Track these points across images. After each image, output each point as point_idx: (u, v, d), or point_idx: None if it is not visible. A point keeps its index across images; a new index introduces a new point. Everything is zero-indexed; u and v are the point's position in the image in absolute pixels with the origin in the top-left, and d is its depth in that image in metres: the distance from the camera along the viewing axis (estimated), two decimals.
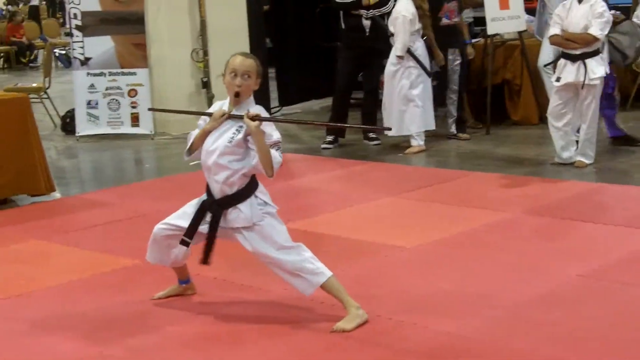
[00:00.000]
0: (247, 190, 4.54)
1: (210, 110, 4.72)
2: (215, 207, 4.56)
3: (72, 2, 10.61)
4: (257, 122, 4.36)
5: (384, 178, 8.09)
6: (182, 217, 4.68)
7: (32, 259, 6.04)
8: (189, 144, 4.67)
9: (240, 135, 4.47)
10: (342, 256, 5.71)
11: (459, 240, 6.01)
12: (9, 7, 27.24)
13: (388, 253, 5.79)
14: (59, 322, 4.77)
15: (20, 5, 27.90)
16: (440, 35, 9.21)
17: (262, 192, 4.60)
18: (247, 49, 10.84)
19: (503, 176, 7.86)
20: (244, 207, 4.52)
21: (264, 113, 4.51)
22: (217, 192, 4.54)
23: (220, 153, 4.49)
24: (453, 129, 9.67)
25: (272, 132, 4.47)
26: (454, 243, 5.95)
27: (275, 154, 4.42)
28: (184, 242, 4.65)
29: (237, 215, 4.53)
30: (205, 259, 4.65)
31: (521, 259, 5.56)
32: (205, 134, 4.57)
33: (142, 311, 4.88)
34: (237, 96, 4.51)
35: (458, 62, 9.52)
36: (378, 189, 7.57)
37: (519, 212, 6.65)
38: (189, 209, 4.67)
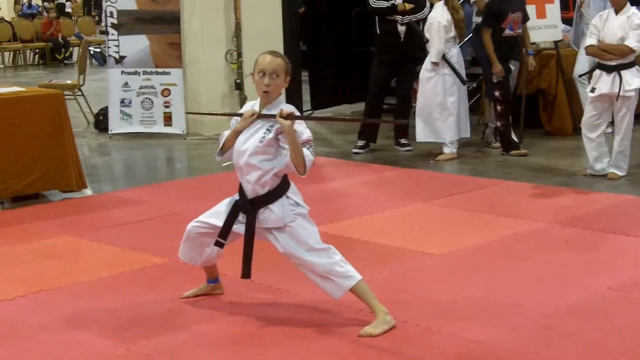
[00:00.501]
0: (279, 190, 4.55)
1: (242, 110, 4.72)
2: (248, 208, 4.57)
3: (109, 0, 10.67)
4: (290, 121, 4.37)
5: (414, 184, 8.07)
6: (215, 215, 4.69)
7: (63, 254, 6.08)
8: (221, 145, 4.68)
9: (271, 135, 4.47)
10: (371, 261, 5.71)
11: (488, 249, 5.98)
12: (46, 3, 27.45)
13: (417, 259, 5.78)
14: (88, 318, 4.80)
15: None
16: (502, 46, 9.06)
17: (294, 193, 4.60)
18: (281, 51, 10.88)
19: (535, 186, 7.82)
20: (275, 207, 4.53)
21: (296, 112, 4.51)
22: (250, 192, 4.55)
23: (251, 153, 4.50)
24: (492, 138, 9.56)
25: (304, 130, 4.47)
26: (484, 251, 5.93)
27: (307, 153, 4.42)
28: (218, 244, 4.66)
29: (269, 215, 4.54)
30: (245, 272, 4.65)
31: (551, 269, 5.53)
32: (236, 134, 4.57)
33: (171, 309, 4.90)
34: (265, 95, 4.51)
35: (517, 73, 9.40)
36: (408, 195, 7.56)
37: (549, 222, 6.61)
38: (222, 207, 4.68)
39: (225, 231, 4.63)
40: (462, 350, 4.29)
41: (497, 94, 9.14)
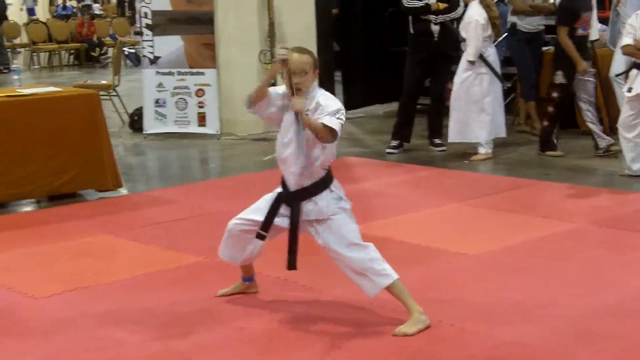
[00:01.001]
0: (323, 182, 4.57)
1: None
2: (291, 200, 4.58)
3: (143, 1, 10.72)
4: (302, 99, 4.41)
5: (449, 184, 8.04)
6: (256, 211, 4.71)
7: (98, 252, 6.12)
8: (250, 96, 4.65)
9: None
10: (405, 261, 5.68)
11: (524, 249, 5.95)
12: (80, 4, 27.63)
13: (451, 259, 5.76)
14: (124, 316, 4.83)
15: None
16: (576, 46, 8.81)
17: (337, 187, 4.62)
18: (314, 51, 10.88)
19: (571, 186, 7.76)
20: (319, 199, 4.55)
21: (325, 96, 4.51)
22: (293, 184, 4.57)
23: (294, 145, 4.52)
24: (603, 144, 9.08)
25: (329, 101, 4.48)
26: (519, 251, 5.90)
27: (331, 119, 4.40)
28: (260, 236, 4.68)
29: (313, 207, 4.56)
30: (291, 262, 4.66)
31: (587, 270, 5.49)
32: (262, 88, 4.58)
33: (206, 308, 4.91)
34: (298, 93, 4.50)
35: (592, 71, 9.25)
36: (443, 195, 7.53)
37: (586, 223, 6.57)
38: (263, 203, 4.70)
39: (267, 223, 4.64)
40: (496, 351, 4.27)
41: (555, 95, 9.02)
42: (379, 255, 4.58)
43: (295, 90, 4.49)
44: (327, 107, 4.46)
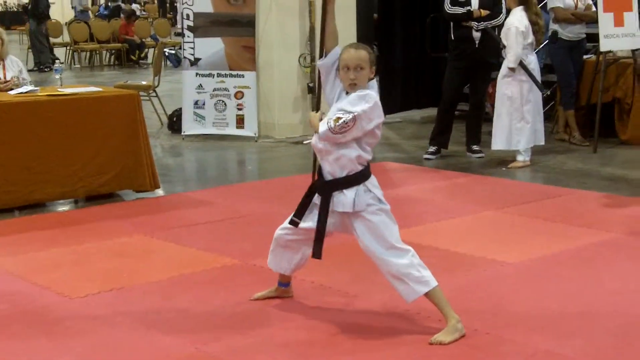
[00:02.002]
0: (357, 176, 4.53)
1: None
2: (323, 189, 4.57)
3: (185, 2, 10.78)
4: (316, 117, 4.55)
5: (486, 191, 8.00)
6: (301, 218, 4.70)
7: (134, 253, 6.15)
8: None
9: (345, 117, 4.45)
10: (441, 268, 5.64)
11: (561, 258, 5.90)
12: (123, 5, 27.84)
13: (488, 267, 5.73)
14: (158, 317, 4.84)
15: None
16: None
17: (374, 186, 4.57)
18: None
19: (608, 195, 7.70)
20: (348, 192, 4.51)
21: (358, 96, 4.47)
22: (327, 172, 4.55)
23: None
24: None
25: (354, 101, 4.45)
26: (556, 261, 5.85)
27: (329, 121, 4.43)
28: (293, 222, 4.67)
29: (341, 199, 4.52)
30: (316, 251, 4.63)
31: (626, 280, 5.44)
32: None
33: (240, 311, 4.91)
34: (352, 87, 4.50)
35: None
36: (480, 202, 7.50)
37: (624, 232, 6.51)
38: (306, 211, 4.69)
39: (300, 210, 4.64)
40: None
41: None
42: (418, 260, 4.55)
43: (350, 85, 4.49)
44: (345, 106, 4.45)
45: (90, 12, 28.12)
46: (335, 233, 4.69)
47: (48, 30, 21.11)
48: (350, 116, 4.41)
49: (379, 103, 4.52)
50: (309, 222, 4.65)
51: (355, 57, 4.49)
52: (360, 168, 4.54)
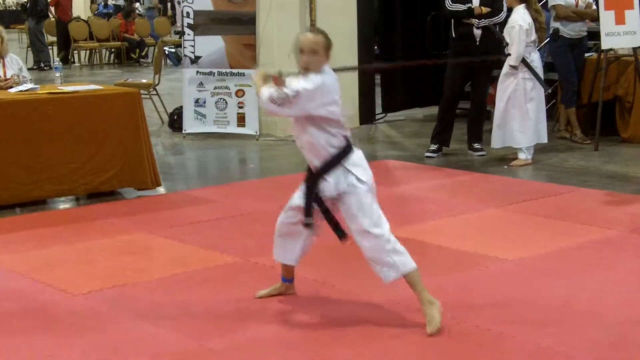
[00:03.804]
0: (332, 161, 4.59)
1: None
2: (311, 180, 4.65)
3: (186, 0, 10.77)
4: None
5: (488, 189, 8.00)
6: (294, 199, 4.77)
7: (137, 251, 6.15)
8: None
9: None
10: (444, 265, 5.68)
11: (562, 256, 5.90)
12: (121, 2, 27.79)
13: (490, 264, 5.73)
14: (161, 314, 4.85)
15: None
16: None
17: (355, 166, 4.62)
18: (355, 54, 10.89)
19: (610, 193, 7.70)
20: (329, 177, 4.59)
21: (326, 74, 4.53)
22: (311, 165, 4.65)
23: (301, 126, 4.61)
24: None
25: (292, 83, 4.50)
26: (557, 258, 5.85)
27: (269, 91, 4.48)
28: (306, 225, 4.71)
29: (325, 185, 4.61)
30: (339, 234, 4.69)
31: (627, 278, 5.44)
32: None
33: (243, 308, 4.91)
34: (306, 71, 4.54)
35: None
36: (482, 200, 7.50)
37: (625, 230, 6.50)
38: (299, 192, 4.76)
39: (308, 207, 4.68)
40: (533, 357, 4.24)
41: None
42: (392, 246, 4.58)
43: (303, 69, 4.54)
44: (290, 84, 4.50)
45: (155, 9, 27.79)
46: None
47: (45, 29, 21.08)
48: (292, 93, 4.45)
49: (331, 88, 4.54)
50: (299, 199, 4.72)
51: (310, 41, 4.55)
52: (333, 151, 4.58)
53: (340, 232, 4.70)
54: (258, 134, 10.68)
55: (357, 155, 4.65)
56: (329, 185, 4.59)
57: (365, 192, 4.60)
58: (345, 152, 4.61)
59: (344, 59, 9.73)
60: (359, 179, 4.60)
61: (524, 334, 4.51)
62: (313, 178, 4.65)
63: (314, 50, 4.52)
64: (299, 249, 4.86)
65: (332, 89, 4.55)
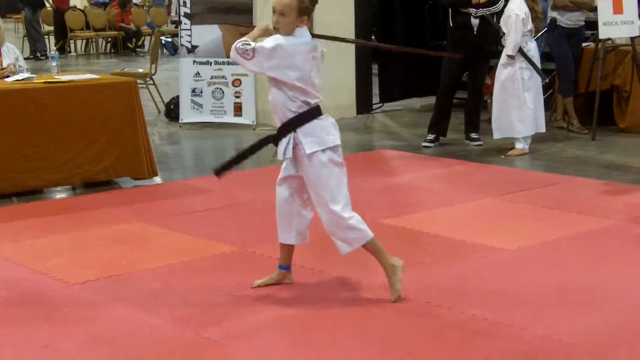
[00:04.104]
0: (285, 124, 4.69)
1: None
2: (275, 137, 4.78)
3: None
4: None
5: (485, 179, 7.99)
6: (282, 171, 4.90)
7: (133, 240, 6.14)
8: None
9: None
10: (440, 255, 5.68)
11: (559, 245, 5.90)
12: None
13: (486, 254, 5.73)
14: (157, 303, 4.84)
15: None
16: None
17: (306, 135, 4.66)
18: (352, 44, 10.87)
19: (607, 183, 7.71)
20: (281, 140, 4.71)
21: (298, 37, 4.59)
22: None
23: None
24: None
25: (259, 43, 4.60)
26: (555, 248, 5.85)
27: (240, 41, 4.61)
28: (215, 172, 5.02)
29: (279, 147, 4.74)
30: (222, 167, 5.08)
31: (624, 267, 5.44)
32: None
33: (240, 296, 4.91)
34: (276, 32, 4.60)
35: None
36: (478, 190, 7.49)
37: (622, 220, 6.50)
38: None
39: (254, 148, 4.94)
40: (531, 345, 4.24)
41: None
42: (345, 223, 4.66)
43: (274, 28, 4.62)
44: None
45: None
46: None
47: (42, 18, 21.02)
48: (251, 47, 4.55)
49: (290, 51, 4.56)
50: (290, 170, 4.82)
51: (278, 2, 4.61)
52: (290, 115, 4.65)
53: (223, 167, 5.10)
54: (255, 123, 10.66)
55: (317, 125, 4.68)
56: (280, 148, 4.71)
57: (321, 165, 4.66)
58: (301, 118, 4.65)
59: (341, 48, 9.73)
60: (304, 150, 4.65)
61: (521, 322, 4.51)
62: (274, 137, 4.76)
63: (281, 11, 4.58)
64: (294, 230, 4.91)
65: (293, 53, 4.58)
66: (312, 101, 4.65)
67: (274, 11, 4.58)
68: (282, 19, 4.57)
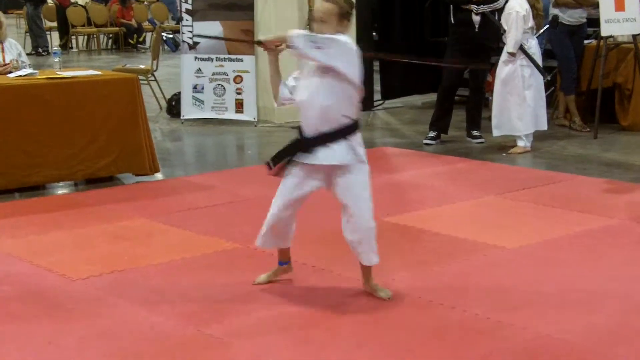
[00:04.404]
0: (342, 131, 4.59)
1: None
2: (307, 145, 4.64)
3: None
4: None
5: (486, 177, 7.99)
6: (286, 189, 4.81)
7: (135, 236, 6.14)
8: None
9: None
10: (441, 253, 5.68)
11: (561, 244, 5.90)
12: None
13: (488, 252, 5.73)
14: (159, 300, 4.85)
15: None
16: None
17: (359, 145, 4.62)
18: (353, 40, 10.85)
19: (609, 181, 7.70)
20: (335, 145, 4.58)
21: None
22: (311, 129, 4.63)
23: (312, 89, 4.65)
24: None
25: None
26: (556, 246, 5.85)
27: (302, 31, 4.54)
28: (268, 164, 4.76)
29: (328, 153, 4.59)
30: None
31: (626, 266, 5.44)
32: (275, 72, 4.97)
33: (241, 293, 4.92)
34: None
35: None
36: (480, 188, 7.49)
37: (624, 218, 6.50)
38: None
39: (278, 158, 4.70)
40: (532, 344, 4.24)
41: None
42: (375, 232, 4.68)
43: None
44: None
45: None
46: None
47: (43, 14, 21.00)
48: (327, 37, 4.39)
49: (355, 51, 4.45)
50: (299, 190, 4.69)
51: (317, 10, 4.56)
52: (346, 122, 4.54)
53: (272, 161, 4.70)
54: (256, 120, 10.66)
55: (360, 136, 4.63)
56: (331, 152, 4.53)
57: (368, 175, 4.61)
58: (353, 127, 4.58)
59: None
60: (362, 160, 4.59)
61: (522, 321, 4.51)
62: (308, 142, 4.57)
63: (321, 19, 4.49)
64: (292, 232, 4.89)
65: (357, 54, 4.46)
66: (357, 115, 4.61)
67: (314, 20, 4.51)
68: (324, 27, 4.46)
